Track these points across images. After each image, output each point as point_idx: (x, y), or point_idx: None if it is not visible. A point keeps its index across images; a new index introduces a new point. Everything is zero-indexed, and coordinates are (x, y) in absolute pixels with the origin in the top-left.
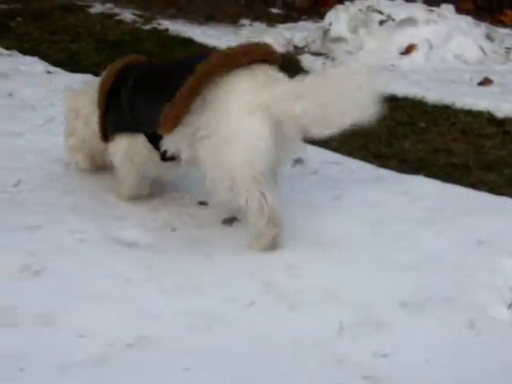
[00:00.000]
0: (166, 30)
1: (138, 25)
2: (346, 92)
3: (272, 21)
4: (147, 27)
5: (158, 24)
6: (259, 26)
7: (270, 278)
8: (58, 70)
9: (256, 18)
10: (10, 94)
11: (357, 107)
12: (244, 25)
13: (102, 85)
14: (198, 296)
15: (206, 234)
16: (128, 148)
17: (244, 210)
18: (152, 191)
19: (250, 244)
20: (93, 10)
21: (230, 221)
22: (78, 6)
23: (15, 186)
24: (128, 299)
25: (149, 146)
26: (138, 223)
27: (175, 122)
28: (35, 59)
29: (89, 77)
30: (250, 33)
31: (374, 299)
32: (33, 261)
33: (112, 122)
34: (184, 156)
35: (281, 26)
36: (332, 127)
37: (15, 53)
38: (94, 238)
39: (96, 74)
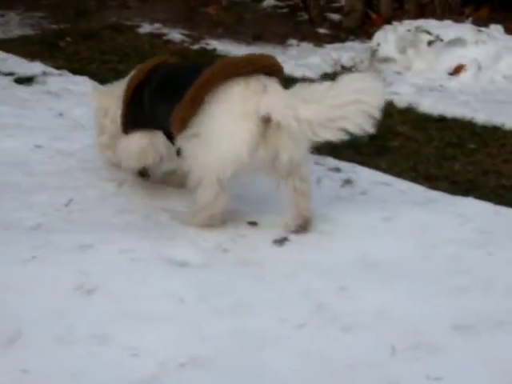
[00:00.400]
0: (214, 49)
1: (186, 44)
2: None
3: (319, 41)
4: (195, 47)
5: (206, 44)
6: (306, 46)
7: (322, 300)
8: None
9: (303, 38)
10: (61, 114)
11: (360, 115)
12: (291, 45)
13: (129, 83)
14: (250, 316)
15: (257, 255)
16: (143, 142)
17: (196, 198)
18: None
19: (183, 219)
20: (141, 30)
21: (281, 241)
22: (127, 26)
23: (67, 205)
24: (180, 319)
25: (167, 142)
26: (189, 243)
27: (183, 123)
28: (85, 79)
29: None
30: (298, 53)
31: (427, 322)
32: (86, 280)
33: (132, 117)
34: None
35: (328, 47)
36: (333, 133)
37: (65, 72)
38: (146, 257)
39: None
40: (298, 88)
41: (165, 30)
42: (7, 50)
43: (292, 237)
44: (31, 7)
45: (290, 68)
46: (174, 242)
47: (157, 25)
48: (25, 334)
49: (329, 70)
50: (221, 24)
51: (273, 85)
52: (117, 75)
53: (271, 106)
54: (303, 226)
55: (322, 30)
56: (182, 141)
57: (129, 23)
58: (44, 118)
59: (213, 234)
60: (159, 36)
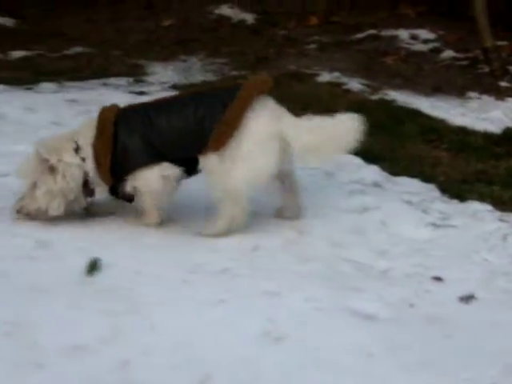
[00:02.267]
0: (393, 100)
1: (365, 94)
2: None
3: (501, 94)
4: (374, 97)
5: (385, 94)
6: (487, 99)
7: None
8: None
9: (484, 90)
10: None
11: (343, 146)
12: (471, 97)
13: (103, 134)
14: (439, 375)
15: (443, 312)
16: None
17: (220, 211)
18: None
19: (201, 231)
20: (320, 79)
21: (468, 299)
22: (306, 74)
23: (254, 250)
24: (368, 373)
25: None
26: (374, 296)
27: (224, 143)
28: None
29: None
30: (478, 106)
31: None
32: (273, 327)
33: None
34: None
35: (510, 100)
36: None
37: None
38: (331, 307)
39: None
40: (303, 119)
41: (344, 79)
42: None
43: (478, 294)
44: (213, 53)
45: (470, 121)
46: (359, 293)
47: (336, 73)
48: (214, 378)
49: (511, 124)
50: (399, 74)
51: (283, 110)
52: None
53: (287, 131)
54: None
55: (503, 83)
56: (214, 159)
57: (308, 71)
58: None
59: (397, 288)
60: (338, 85)
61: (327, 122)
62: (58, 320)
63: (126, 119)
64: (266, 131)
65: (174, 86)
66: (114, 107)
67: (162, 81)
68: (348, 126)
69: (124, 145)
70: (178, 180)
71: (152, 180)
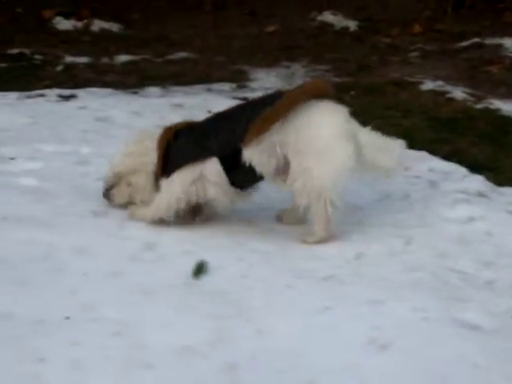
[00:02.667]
0: (498, 109)
1: (469, 103)
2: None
3: None
4: (478, 106)
5: (490, 103)
6: None
7: None
8: None
9: None
10: None
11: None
12: None
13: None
14: None
15: None
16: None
17: (312, 211)
18: None
19: (301, 238)
20: (423, 87)
21: None
22: (410, 82)
23: (357, 258)
24: None
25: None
26: (480, 307)
27: (261, 131)
28: None
29: (423, 153)
30: None
31: None
32: (378, 335)
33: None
34: (266, 167)
35: None
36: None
37: None
38: (437, 317)
39: (430, 151)
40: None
41: (447, 88)
42: None
43: None
44: (315, 60)
45: None
46: (466, 304)
47: (439, 82)
48: None
49: None
50: (504, 83)
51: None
52: (401, 131)
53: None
54: None
55: None
56: (255, 151)
57: (411, 79)
58: None
59: (503, 299)
60: (442, 93)
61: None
62: (165, 321)
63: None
64: (337, 125)
65: None
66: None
67: (265, 87)
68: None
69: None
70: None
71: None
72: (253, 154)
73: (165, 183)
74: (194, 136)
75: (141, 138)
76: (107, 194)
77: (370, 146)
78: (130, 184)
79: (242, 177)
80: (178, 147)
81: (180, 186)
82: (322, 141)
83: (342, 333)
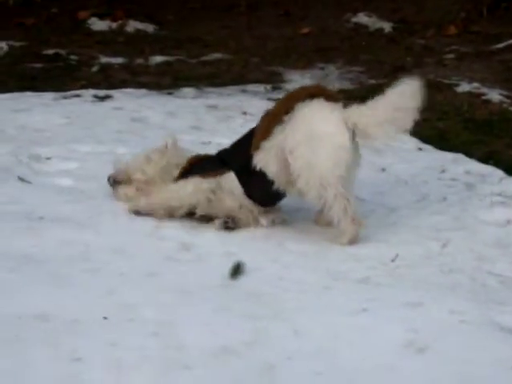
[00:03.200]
0: None
1: (505, 105)
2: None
3: None
4: None
5: None
6: None
7: None
8: (429, 147)
9: None
10: (383, 169)
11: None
12: None
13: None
14: None
15: None
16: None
17: (328, 208)
18: None
19: (335, 240)
20: (459, 89)
21: None
22: (445, 84)
23: (393, 260)
24: None
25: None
26: None
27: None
28: (405, 135)
29: (459, 156)
30: None
31: None
32: (416, 338)
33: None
34: (271, 168)
35: None
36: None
37: None
38: (475, 320)
39: (466, 153)
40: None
41: (483, 90)
42: None
43: None
44: (350, 61)
45: None
46: (504, 307)
47: (475, 84)
48: None
49: None
50: None
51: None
52: (437, 133)
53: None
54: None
55: None
56: (262, 155)
57: (446, 81)
58: (366, 172)
59: None
60: (477, 95)
61: (388, 94)
62: (203, 322)
63: None
64: (330, 118)
65: None
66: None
67: None
68: (409, 94)
69: None
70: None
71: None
72: (261, 158)
73: (180, 181)
74: (213, 158)
75: (164, 149)
76: (113, 185)
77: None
78: (140, 190)
79: (259, 188)
80: (198, 165)
81: (193, 187)
82: (316, 134)
83: (378, 335)
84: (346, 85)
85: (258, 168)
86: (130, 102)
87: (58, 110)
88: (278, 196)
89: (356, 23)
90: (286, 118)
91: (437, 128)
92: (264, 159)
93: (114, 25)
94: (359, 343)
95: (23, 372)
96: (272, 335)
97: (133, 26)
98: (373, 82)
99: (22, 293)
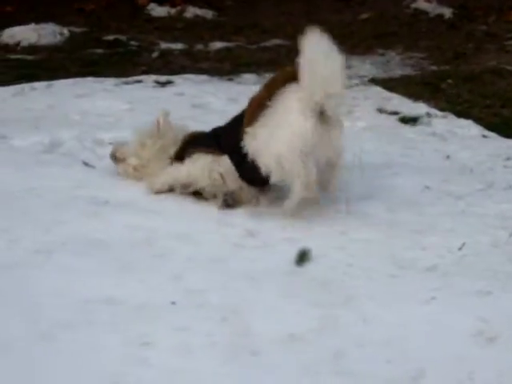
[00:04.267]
0: None
1: None
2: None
3: None
4: None
5: None
6: None
7: None
8: (493, 134)
9: None
10: (448, 156)
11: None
12: None
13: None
14: None
15: None
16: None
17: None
18: None
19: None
20: None
21: None
22: (508, 70)
23: (460, 248)
24: None
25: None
26: None
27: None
28: (470, 123)
29: None
30: None
31: None
32: (486, 327)
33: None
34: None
35: None
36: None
37: (449, 115)
38: None
39: None
40: None
41: None
42: (390, 89)
43: None
44: (411, 47)
45: None
46: None
47: None
48: (427, 375)
49: None
50: None
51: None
52: (502, 121)
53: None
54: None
55: None
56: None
57: (509, 67)
58: (431, 160)
59: None
60: None
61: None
62: (270, 308)
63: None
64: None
65: (373, 80)
66: None
67: (360, 74)
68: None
69: None
70: None
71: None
72: (248, 143)
73: (188, 159)
74: (210, 135)
75: (156, 131)
76: (115, 162)
77: None
78: (136, 170)
79: (250, 171)
80: (197, 142)
81: (202, 163)
82: (280, 117)
83: (448, 324)
84: (408, 71)
85: (246, 152)
86: (190, 88)
87: (120, 96)
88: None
89: (416, 9)
90: (269, 103)
91: (500, 115)
92: (250, 144)
93: (173, 11)
94: (428, 332)
95: (92, 356)
96: (341, 323)
97: (192, 12)
98: (434, 68)
99: (90, 277)
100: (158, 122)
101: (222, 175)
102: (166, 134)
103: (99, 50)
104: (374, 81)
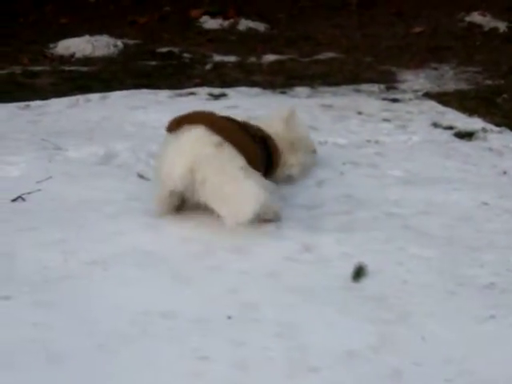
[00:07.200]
0: None
1: None
2: None
3: None
4: None
5: None
6: None
7: None
8: None
9: None
10: (505, 172)
11: None
12: None
13: None
14: None
15: None
16: None
17: None
18: None
19: None
20: None
21: None
22: None
23: None
24: None
25: None
26: None
27: None
28: None
29: None
30: None
31: None
32: None
33: None
34: None
35: None
36: None
37: (505, 130)
38: None
39: None
40: None
41: None
42: (444, 104)
43: None
44: (465, 61)
45: None
46: None
47: None
48: None
49: None
50: None
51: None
52: None
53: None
54: None
55: None
56: None
57: None
58: (487, 175)
59: None
60: None
61: None
62: (326, 324)
63: None
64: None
65: (427, 94)
66: None
67: (414, 88)
68: None
69: None
70: None
71: None
72: None
73: None
74: None
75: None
76: None
77: None
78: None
79: None
80: None
81: None
82: (167, 154)
83: (508, 343)
84: (462, 85)
85: None
86: (244, 101)
87: (174, 108)
88: None
89: (470, 22)
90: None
91: None
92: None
93: (226, 23)
94: (489, 351)
95: (149, 368)
96: (398, 340)
97: (244, 24)
98: (489, 82)
99: (146, 289)
100: (287, 114)
101: None
102: (294, 130)
103: (152, 62)
104: (428, 95)
